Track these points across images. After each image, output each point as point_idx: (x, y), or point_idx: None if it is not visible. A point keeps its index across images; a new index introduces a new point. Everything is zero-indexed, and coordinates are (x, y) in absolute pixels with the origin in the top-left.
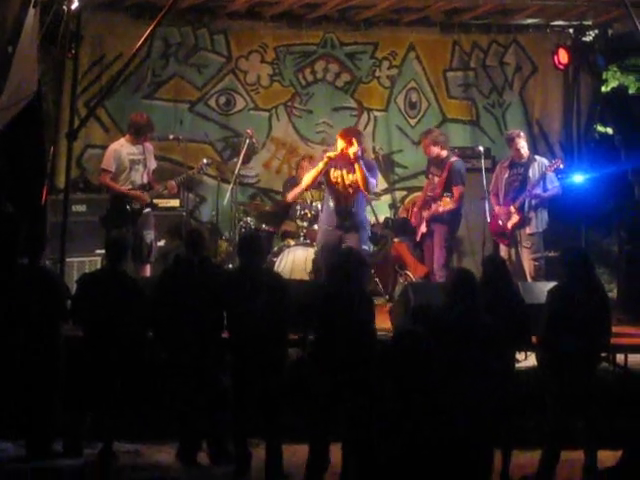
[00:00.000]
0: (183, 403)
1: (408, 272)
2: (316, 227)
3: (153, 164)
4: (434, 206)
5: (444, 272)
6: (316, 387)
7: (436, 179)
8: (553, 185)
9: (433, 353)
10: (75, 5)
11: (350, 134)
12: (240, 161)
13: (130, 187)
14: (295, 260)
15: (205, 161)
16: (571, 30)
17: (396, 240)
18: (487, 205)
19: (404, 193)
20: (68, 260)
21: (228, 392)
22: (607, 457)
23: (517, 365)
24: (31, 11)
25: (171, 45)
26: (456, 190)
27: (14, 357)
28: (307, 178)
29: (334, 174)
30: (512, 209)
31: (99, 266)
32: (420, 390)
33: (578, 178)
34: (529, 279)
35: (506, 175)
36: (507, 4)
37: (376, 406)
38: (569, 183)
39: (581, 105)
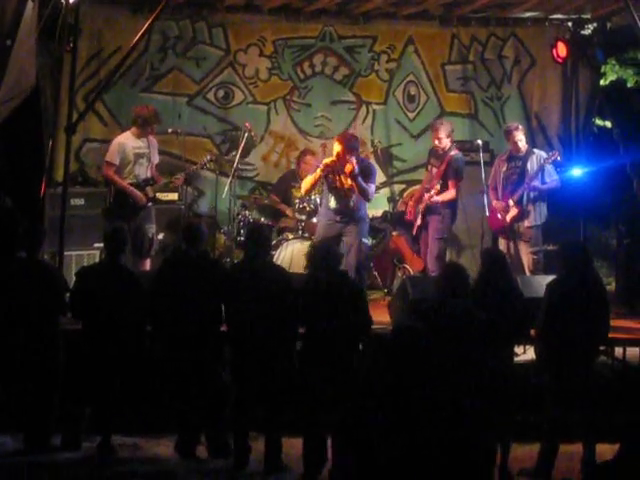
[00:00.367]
0: (181, 396)
1: (406, 265)
2: (314, 220)
3: (157, 158)
4: (427, 195)
5: (437, 265)
6: (309, 381)
7: (434, 170)
8: (552, 178)
9: (432, 348)
10: None
11: (346, 141)
12: (239, 155)
13: (134, 181)
14: (294, 253)
15: (208, 157)
16: (570, 23)
17: (394, 234)
18: (486, 199)
19: (403, 186)
20: (66, 254)
21: (227, 385)
22: (606, 450)
23: (516, 359)
24: (29, 5)
25: (169, 38)
26: (451, 183)
27: (13, 351)
28: (305, 184)
29: (333, 177)
30: (510, 202)
31: (97, 259)
32: (419, 386)
33: (577, 172)
34: (528, 272)
35: (504, 168)
36: None
37: (372, 402)
38: (568, 177)
39: (580, 98)
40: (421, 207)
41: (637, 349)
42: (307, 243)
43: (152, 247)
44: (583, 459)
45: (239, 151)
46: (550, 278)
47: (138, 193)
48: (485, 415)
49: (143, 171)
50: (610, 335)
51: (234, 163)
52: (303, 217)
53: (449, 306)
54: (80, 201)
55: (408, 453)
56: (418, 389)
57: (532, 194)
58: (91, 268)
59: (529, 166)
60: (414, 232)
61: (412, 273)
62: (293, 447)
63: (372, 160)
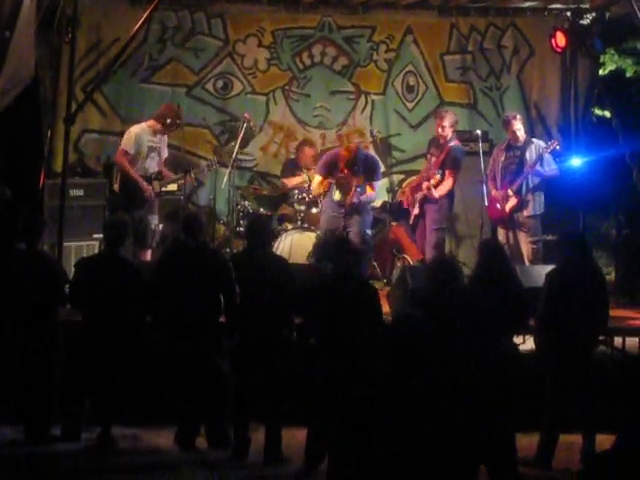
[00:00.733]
0: (181, 387)
1: (406, 255)
2: (314, 211)
3: (166, 153)
4: (425, 184)
5: (434, 254)
6: (313, 372)
7: (433, 159)
8: (550, 167)
9: (432, 337)
10: None
11: (351, 162)
12: (238, 145)
13: (143, 174)
14: (293, 244)
15: (215, 159)
16: (569, 13)
17: (394, 224)
18: (485, 188)
19: (402, 177)
20: (66, 244)
21: (226, 376)
22: (605, 440)
23: None
24: None
25: (168, 29)
26: (449, 173)
27: (12, 342)
28: (314, 187)
29: (337, 176)
30: (510, 192)
31: (97, 250)
32: (419, 376)
33: (576, 161)
34: (527, 262)
35: (503, 158)
36: None
37: (373, 395)
38: (567, 166)
39: (579, 88)
40: (418, 196)
41: (636, 339)
42: (306, 234)
43: (154, 238)
44: (583, 449)
45: (238, 141)
46: (549, 268)
47: (148, 187)
48: (485, 406)
49: (154, 165)
50: (609, 325)
51: (233, 153)
52: (302, 208)
53: (444, 295)
54: (79, 192)
55: (408, 449)
56: (417, 379)
57: (531, 183)
58: (90, 259)
59: (528, 155)
60: (411, 221)
61: (411, 263)
62: (293, 438)
63: (371, 150)
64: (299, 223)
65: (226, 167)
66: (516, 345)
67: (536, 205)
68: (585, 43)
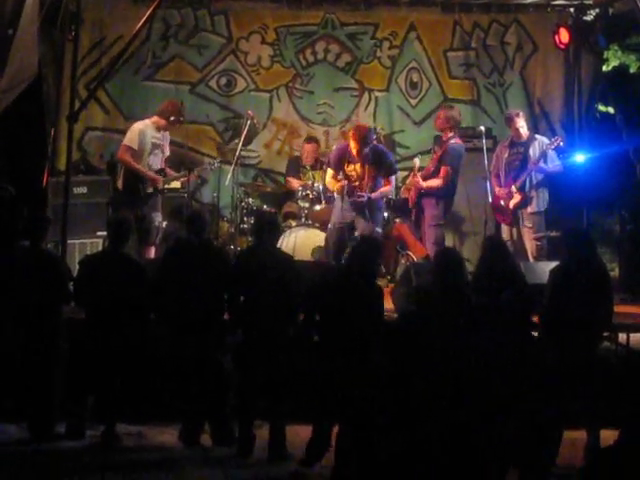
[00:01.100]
0: (185, 384)
1: (409, 252)
2: (318, 208)
3: (168, 152)
4: (415, 179)
5: (434, 250)
6: (317, 368)
7: (434, 156)
8: (554, 164)
9: (436, 335)
10: None
11: (360, 140)
12: (241, 142)
13: (147, 170)
14: (297, 241)
15: (218, 159)
16: (572, 9)
17: (397, 220)
18: (489, 185)
19: (405, 173)
20: (69, 242)
21: (229, 373)
22: (609, 437)
23: None
24: None
25: (171, 26)
26: (443, 169)
27: (17, 340)
28: (328, 182)
29: (348, 168)
30: (513, 189)
31: (100, 248)
32: (421, 373)
33: (579, 158)
34: (531, 259)
35: (506, 155)
36: None
37: (375, 394)
38: (570, 163)
39: (582, 84)
40: (415, 191)
41: None
42: (311, 230)
43: (158, 235)
44: (587, 445)
45: (241, 139)
46: (553, 264)
47: (155, 175)
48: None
49: (157, 162)
50: (614, 321)
51: (237, 151)
52: (307, 205)
53: (440, 291)
54: (83, 189)
55: (408, 452)
56: (420, 377)
57: (535, 180)
58: (94, 256)
59: (531, 152)
60: (413, 217)
61: (415, 260)
62: (297, 435)
63: None
64: (303, 220)
65: (230, 164)
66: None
67: (540, 201)
68: (588, 39)
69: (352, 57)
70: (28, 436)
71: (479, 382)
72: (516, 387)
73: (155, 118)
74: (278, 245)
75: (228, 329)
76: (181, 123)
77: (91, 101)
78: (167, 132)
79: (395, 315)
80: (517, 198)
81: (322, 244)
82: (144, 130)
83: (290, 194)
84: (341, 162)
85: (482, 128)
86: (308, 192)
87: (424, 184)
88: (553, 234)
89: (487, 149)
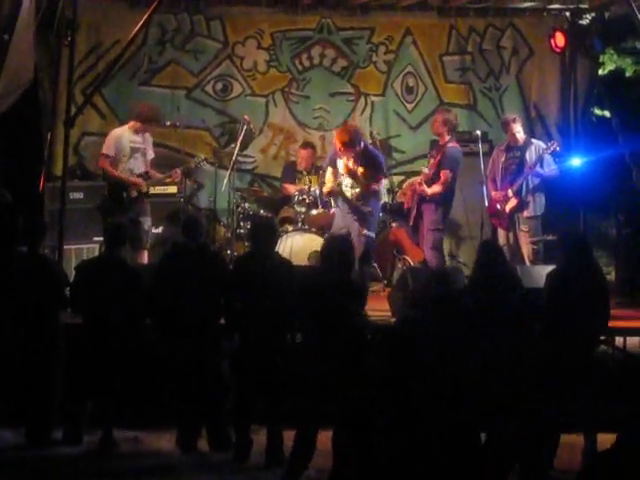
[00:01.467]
0: (182, 390)
1: (406, 257)
2: (314, 212)
3: (151, 154)
4: (417, 180)
5: (433, 255)
6: (306, 373)
7: (432, 161)
8: (550, 168)
9: (435, 339)
10: None
11: (343, 142)
12: (237, 147)
13: (129, 174)
14: (293, 246)
15: (203, 157)
16: (568, 13)
17: (394, 225)
18: (485, 189)
19: (402, 178)
20: (66, 247)
21: (227, 378)
22: (607, 441)
23: None
24: None
25: (167, 31)
26: (443, 174)
27: (13, 345)
28: (327, 180)
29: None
30: (510, 193)
31: (97, 253)
32: (421, 377)
33: (576, 161)
34: (527, 263)
35: (503, 159)
36: None
37: (373, 396)
38: (567, 166)
39: (578, 88)
40: (416, 196)
41: (637, 339)
42: (307, 235)
43: (148, 240)
44: (584, 449)
45: (238, 144)
46: (550, 268)
47: (137, 179)
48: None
49: (138, 165)
50: (610, 324)
51: (233, 156)
52: (303, 209)
53: (445, 296)
54: (79, 195)
55: (408, 455)
56: (419, 380)
57: (531, 184)
58: (91, 262)
59: (528, 156)
60: (411, 222)
61: (412, 264)
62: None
63: None
64: (300, 225)
65: (226, 169)
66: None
67: (536, 206)
68: (584, 43)
69: (348, 62)
70: (25, 442)
71: (477, 384)
72: (514, 389)
73: (131, 122)
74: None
75: (224, 334)
76: (157, 122)
77: (87, 106)
78: (147, 134)
79: (392, 319)
80: (513, 202)
81: (319, 249)
82: (120, 135)
83: (286, 199)
84: (335, 159)
85: (478, 132)
86: (304, 197)
87: (429, 191)
88: (550, 238)
89: (483, 153)
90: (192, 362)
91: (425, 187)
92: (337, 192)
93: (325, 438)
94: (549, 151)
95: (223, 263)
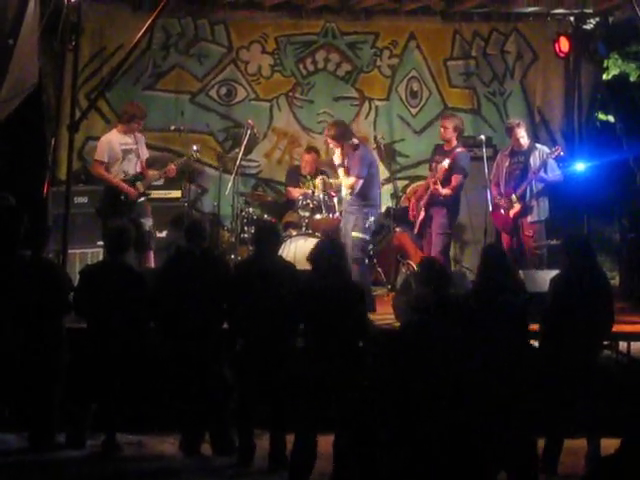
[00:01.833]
0: (185, 394)
1: (410, 261)
2: (318, 217)
3: (145, 154)
4: (431, 181)
5: (441, 260)
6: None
7: (439, 166)
8: (554, 173)
9: (440, 343)
10: None
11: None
12: (241, 152)
13: (123, 176)
14: (297, 250)
15: (195, 147)
16: (572, 18)
17: (398, 229)
18: (489, 194)
19: (406, 182)
20: (70, 252)
21: (230, 382)
22: (610, 445)
23: None
24: (31, 3)
25: (171, 36)
26: (454, 179)
27: (17, 349)
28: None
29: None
30: (514, 198)
31: (101, 257)
32: (425, 380)
33: (580, 166)
34: (531, 268)
35: (507, 164)
36: None
37: (374, 400)
38: (571, 171)
39: (582, 93)
40: (424, 200)
41: None
42: (311, 240)
43: (151, 241)
44: (588, 454)
45: (242, 148)
46: (554, 273)
47: (129, 187)
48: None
49: (132, 167)
50: (614, 329)
51: (237, 160)
52: (307, 214)
53: (448, 299)
54: (83, 199)
55: (411, 453)
56: (422, 383)
57: (535, 189)
58: (95, 266)
59: (532, 161)
60: (416, 230)
61: (416, 269)
62: None
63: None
64: (304, 229)
65: (230, 174)
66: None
67: (540, 211)
68: (588, 48)
69: (352, 66)
70: (28, 445)
71: (478, 387)
72: (514, 391)
73: (119, 125)
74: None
75: (227, 338)
76: (138, 121)
77: (92, 111)
78: (139, 135)
79: (396, 324)
80: (517, 207)
81: None
82: (111, 140)
83: (290, 203)
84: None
85: (482, 137)
86: (308, 201)
87: (444, 191)
88: (553, 243)
89: (487, 158)
90: (195, 366)
91: (440, 187)
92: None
93: (326, 442)
94: (553, 156)
95: (226, 267)
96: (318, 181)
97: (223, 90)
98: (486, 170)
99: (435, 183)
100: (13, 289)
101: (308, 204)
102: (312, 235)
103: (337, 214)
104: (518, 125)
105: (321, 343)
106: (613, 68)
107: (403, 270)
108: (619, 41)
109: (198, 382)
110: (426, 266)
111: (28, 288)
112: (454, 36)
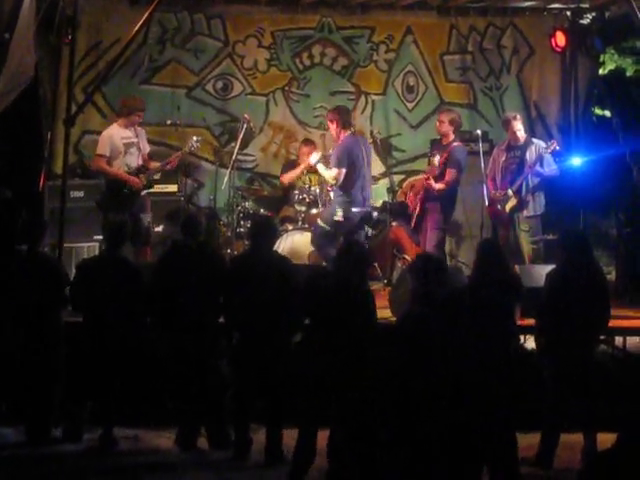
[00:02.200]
0: (181, 388)
1: (406, 256)
2: (314, 211)
3: (147, 147)
4: (424, 176)
5: (436, 254)
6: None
7: (436, 160)
8: (550, 167)
9: (439, 336)
10: None
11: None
12: (238, 146)
13: (126, 170)
14: (293, 244)
15: (195, 138)
16: (568, 13)
17: (394, 224)
18: (485, 189)
19: (402, 177)
20: (66, 246)
21: (226, 376)
22: (606, 440)
23: None
24: None
25: (168, 30)
26: (448, 173)
27: (14, 344)
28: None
29: None
30: (509, 192)
31: (97, 252)
32: (424, 374)
33: (576, 161)
34: (527, 262)
35: (503, 158)
36: None
37: (375, 396)
38: (567, 166)
39: (578, 88)
40: (420, 195)
41: (637, 338)
42: (307, 234)
43: (150, 236)
44: (584, 449)
45: (238, 142)
46: (550, 268)
47: (133, 177)
48: (488, 404)
49: (134, 160)
50: (610, 324)
51: (233, 154)
52: (303, 208)
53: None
54: (79, 193)
55: (409, 450)
56: (422, 377)
57: (531, 183)
58: (91, 260)
59: (528, 156)
60: (412, 225)
61: (412, 263)
62: (294, 438)
63: (372, 150)
64: (300, 224)
65: (226, 168)
66: (522, 346)
67: (536, 205)
68: (585, 42)
69: (349, 61)
70: (25, 439)
71: (477, 383)
72: (500, 386)
73: (120, 119)
74: (274, 249)
75: (224, 332)
76: (137, 113)
77: (88, 105)
78: (140, 128)
79: (393, 319)
80: (513, 201)
81: None
82: (112, 134)
83: (287, 198)
84: None
85: (479, 132)
86: (304, 196)
87: (437, 186)
88: (550, 237)
89: (483, 152)
90: (191, 360)
91: (432, 182)
92: None
93: (323, 438)
94: (549, 150)
95: (222, 261)
96: (314, 175)
97: (219, 84)
98: (482, 165)
99: (428, 178)
100: (9, 283)
101: (304, 198)
102: (308, 229)
103: None
104: (515, 118)
105: (327, 339)
106: (609, 63)
107: (399, 264)
108: (615, 36)
109: (194, 376)
110: (423, 260)
111: (24, 282)
112: (450, 31)
